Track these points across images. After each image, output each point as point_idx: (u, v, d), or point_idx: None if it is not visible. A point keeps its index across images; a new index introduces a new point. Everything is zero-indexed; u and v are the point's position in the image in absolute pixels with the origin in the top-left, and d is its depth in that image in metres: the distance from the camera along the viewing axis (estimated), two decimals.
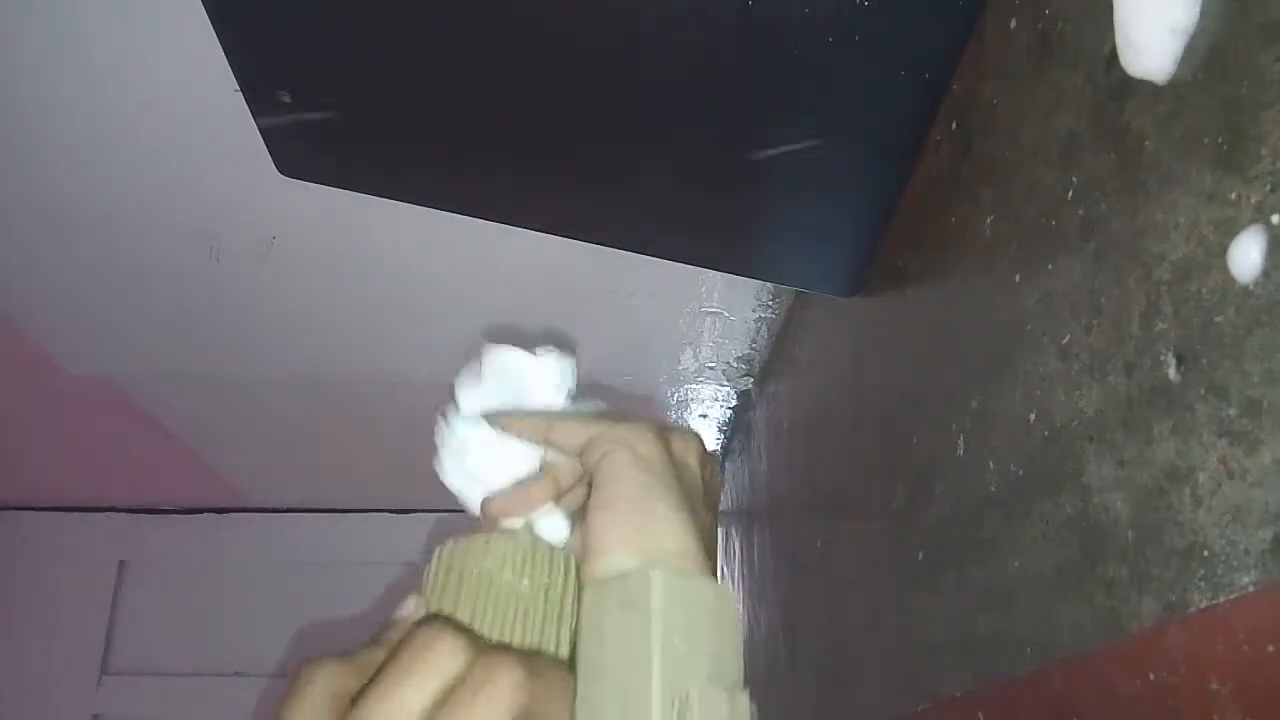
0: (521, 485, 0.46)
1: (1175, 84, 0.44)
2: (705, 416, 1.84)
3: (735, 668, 0.38)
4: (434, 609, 0.39)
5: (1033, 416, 0.57)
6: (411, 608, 0.39)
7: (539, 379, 0.49)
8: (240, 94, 0.79)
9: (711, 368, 1.61)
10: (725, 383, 1.67)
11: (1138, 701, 0.45)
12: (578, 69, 0.75)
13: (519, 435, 0.47)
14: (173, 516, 2.41)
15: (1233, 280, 0.39)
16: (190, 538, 2.39)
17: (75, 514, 2.40)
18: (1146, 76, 0.45)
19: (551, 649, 0.39)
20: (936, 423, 0.74)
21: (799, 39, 0.68)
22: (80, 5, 0.92)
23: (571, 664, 0.38)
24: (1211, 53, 0.41)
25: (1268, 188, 0.37)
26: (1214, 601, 0.39)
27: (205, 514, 2.40)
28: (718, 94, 0.75)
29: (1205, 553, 0.40)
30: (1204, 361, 0.41)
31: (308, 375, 1.66)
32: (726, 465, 1.99)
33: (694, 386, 1.69)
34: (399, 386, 1.68)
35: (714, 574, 0.41)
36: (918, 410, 0.79)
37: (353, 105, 0.82)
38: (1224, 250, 0.39)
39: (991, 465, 0.63)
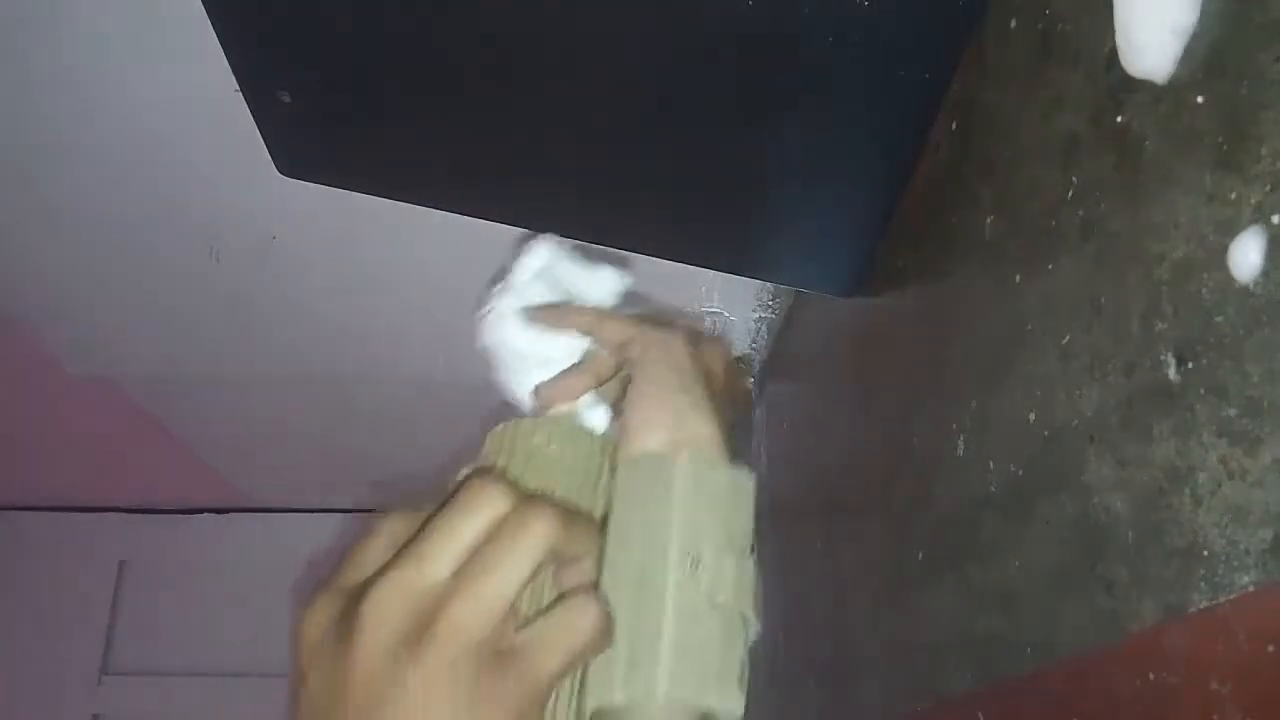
0: (566, 374, 0.52)
1: (1175, 84, 0.44)
2: None
3: (746, 538, 0.44)
4: None
5: (1033, 416, 0.57)
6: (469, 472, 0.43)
7: (590, 284, 0.55)
8: (240, 94, 0.79)
9: None
10: None
11: (1138, 701, 0.45)
12: (577, 70, 0.75)
13: (570, 326, 0.52)
14: (173, 516, 2.41)
15: (1233, 280, 0.39)
16: (190, 538, 2.39)
17: (75, 514, 2.40)
18: (1146, 76, 0.45)
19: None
20: (936, 423, 0.74)
21: (799, 39, 0.68)
22: (80, 6, 0.92)
23: (602, 529, 0.43)
24: (1211, 53, 0.41)
25: (1268, 188, 0.37)
26: (1214, 601, 0.39)
27: (205, 514, 2.40)
28: (718, 94, 0.75)
29: (1205, 553, 0.40)
30: (1204, 361, 0.41)
31: (308, 375, 1.66)
32: None
33: None
34: (400, 386, 1.68)
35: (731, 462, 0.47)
36: (918, 410, 0.79)
37: (353, 105, 0.81)
38: (1224, 250, 0.39)
39: (991, 465, 0.63)
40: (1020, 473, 0.59)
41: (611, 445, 0.48)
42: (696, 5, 0.67)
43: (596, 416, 0.51)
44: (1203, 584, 0.40)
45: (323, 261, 1.33)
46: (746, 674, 0.41)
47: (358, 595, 0.33)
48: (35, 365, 1.60)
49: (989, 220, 0.65)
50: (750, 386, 0.56)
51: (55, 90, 1.02)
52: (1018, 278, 0.60)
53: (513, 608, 0.35)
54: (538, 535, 0.35)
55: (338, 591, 0.35)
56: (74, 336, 1.53)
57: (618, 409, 0.49)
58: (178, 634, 2.31)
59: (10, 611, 2.33)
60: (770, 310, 1.41)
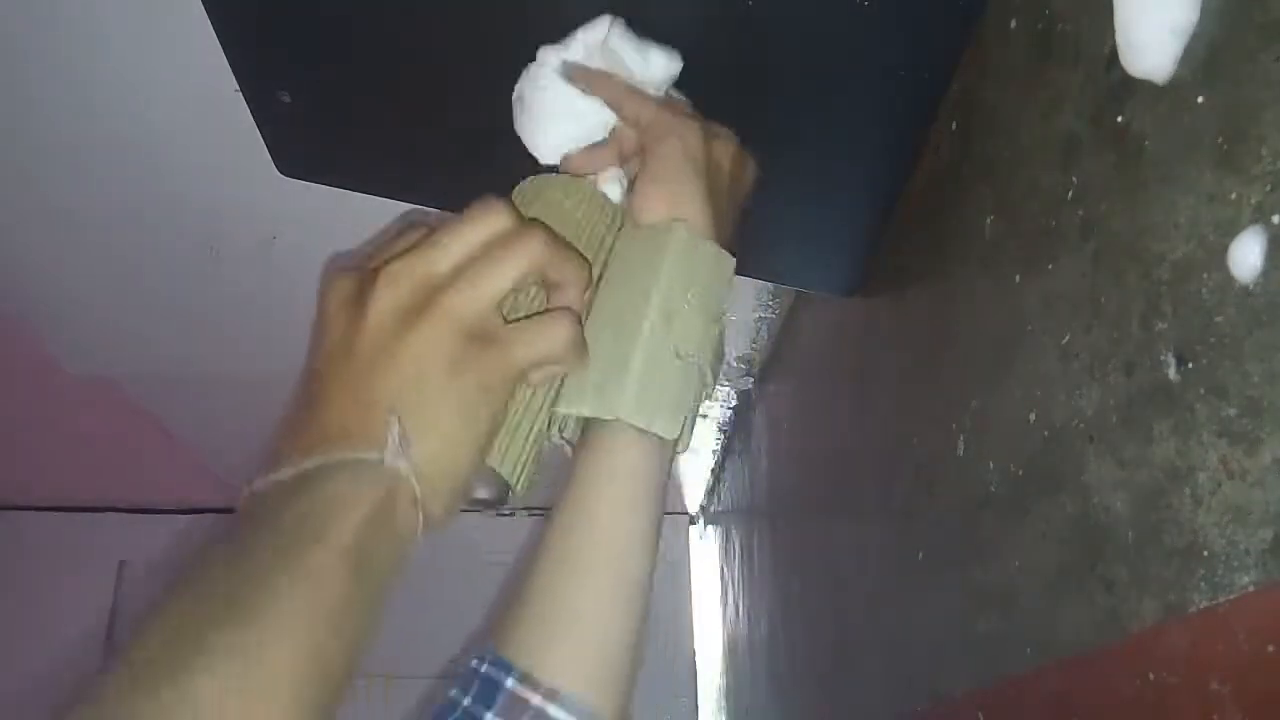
0: (593, 146, 0.57)
1: (1175, 84, 0.44)
2: (705, 416, 1.84)
3: (718, 307, 0.50)
4: None
5: (1033, 416, 0.57)
6: None
7: (642, 64, 0.57)
8: (240, 94, 0.79)
9: None
10: (725, 383, 1.67)
11: (1138, 701, 0.45)
12: None
13: (599, 92, 0.56)
14: (173, 516, 2.40)
15: (1233, 280, 0.39)
16: (190, 538, 2.39)
17: (75, 514, 2.40)
18: (1146, 76, 0.45)
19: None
20: (936, 423, 0.74)
21: (799, 39, 0.68)
22: (80, 5, 0.92)
23: (599, 283, 0.49)
24: (1211, 53, 0.41)
25: (1268, 188, 0.37)
26: (1214, 601, 0.39)
27: (205, 514, 2.40)
28: (717, 94, 0.75)
29: (1205, 553, 0.40)
30: (1204, 361, 0.41)
31: None
32: (727, 465, 1.99)
33: None
34: None
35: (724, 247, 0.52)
36: (918, 410, 0.79)
37: (354, 105, 0.81)
38: (1224, 250, 0.39)
39: (991, 465, 0.63)
40: (1020, 473, 0.59)
41: (621, 214, 0.53)
42: (697, 5, 0.67)
43: (613, 188, 0.56)
44: (1203, 584, 0.40)
45: (323, 261, 1.33)
46: (694, 418, 0.48)
47: (373, 276, 0.40)
48: (35, 365, 1.60)
49: (989, 220, 0.65)
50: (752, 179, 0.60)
51: (55, 89, 1.02)
52: (1018, 278, 0.60)
53: (503, 311, 0.41)
54: (529, 248, 0.41)
55: (359, 271, 0.41)
56: (74, 336, 1.53)
57: (632, 185, 0.54)
58: None
59: (10, 611, 2.33)
60: (770, 310, 1.41)
